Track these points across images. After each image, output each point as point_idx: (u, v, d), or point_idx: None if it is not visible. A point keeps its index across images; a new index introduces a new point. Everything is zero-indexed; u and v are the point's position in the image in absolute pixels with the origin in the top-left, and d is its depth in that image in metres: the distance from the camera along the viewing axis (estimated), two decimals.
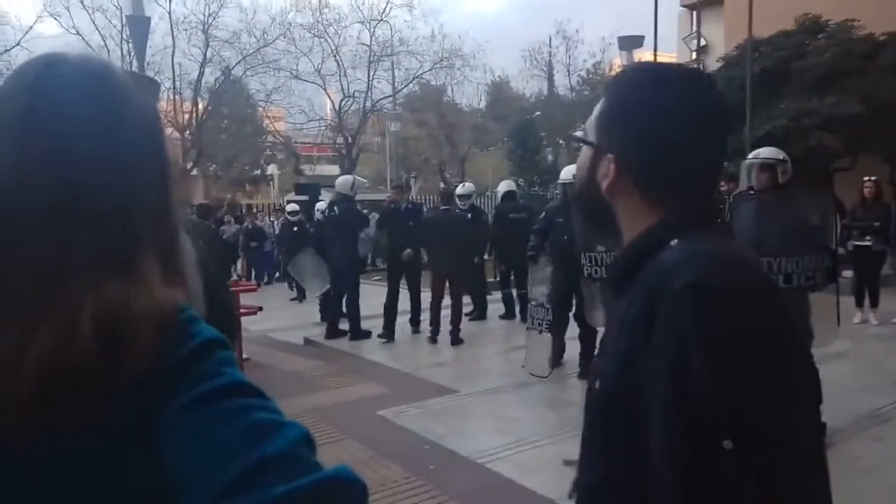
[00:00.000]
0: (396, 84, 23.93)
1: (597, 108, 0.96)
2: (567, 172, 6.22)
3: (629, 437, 0.79)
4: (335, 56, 23.66)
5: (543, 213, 6.46)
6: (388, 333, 7.53)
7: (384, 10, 23.67)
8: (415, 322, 7.85)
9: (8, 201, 0.66)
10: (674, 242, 0.85)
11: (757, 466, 0.70)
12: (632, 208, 0.93)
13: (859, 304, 7.57)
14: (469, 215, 8.43)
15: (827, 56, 11.34)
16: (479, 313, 8.71)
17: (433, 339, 7.40)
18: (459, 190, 9.03)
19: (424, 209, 9.81)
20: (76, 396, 0.59)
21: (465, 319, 8.09)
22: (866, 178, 7.73)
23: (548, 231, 6.07)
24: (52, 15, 20.33)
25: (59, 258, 0.64)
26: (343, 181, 8.44)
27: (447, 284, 7.31)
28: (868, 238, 7.39)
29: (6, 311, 0.62)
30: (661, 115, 0.88)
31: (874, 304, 7.54)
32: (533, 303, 5.92)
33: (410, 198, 8.59)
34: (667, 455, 0.73)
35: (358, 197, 9.22)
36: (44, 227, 0.65)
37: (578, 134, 1.03)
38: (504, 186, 9.07)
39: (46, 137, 0.67)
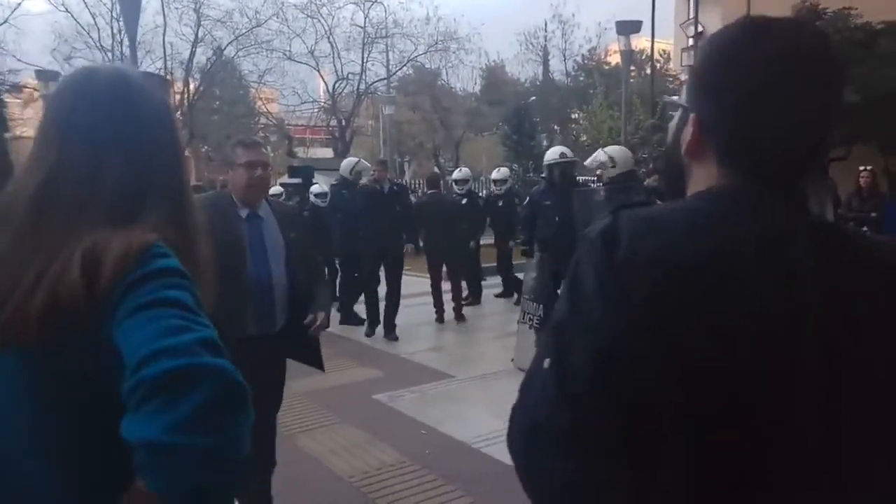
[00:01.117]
0: (391, 67, 23.79)
1: (692, 67, 0.90)
2: (553, 153, 6.16)
3: None
4: (329, 37, 23.44)
5: (528, 199, 6.31)
6: (373, 326, 7.00)
7: None
8: (390, 328, 6.89)
9: (52, 172, 0.95)
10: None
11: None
12: (705, 176, 0.85)
13: None
14: (464, 200, 8.42)
15: None
16: (475, 298, 8.71)
17: (440, 318, 7.47)
18: (456, 175, 9.01)
19: (410, 192, 9.63)
20: (68, 308, 0.84)
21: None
22: (862, 168, 7.74)
23: (534, 218, 5.94)
24: None
25: (77, 215, 0.91)
26: (345, 164, 8.00)
27: (444, 269, 7.31)
28: (864, 229, 7.43)
29: (35, 252, 0.89)
30: (752, 78, 0.78)
31: None
32: (525, 296, 5.86)
33: (394, 178, 7.96)
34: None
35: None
36: (72, 192, 0.93)
37: (674, 98, 1.00)
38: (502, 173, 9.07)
39: (84, 126, 0.97)
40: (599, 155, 5.44)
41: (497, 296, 8.87)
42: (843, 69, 0.83)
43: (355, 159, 8.32)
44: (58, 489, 0.89)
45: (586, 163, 5.72)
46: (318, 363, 2.90)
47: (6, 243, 0.91)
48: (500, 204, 8.64)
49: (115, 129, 0.97)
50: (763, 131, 0.79)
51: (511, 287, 8.70)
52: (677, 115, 0.92)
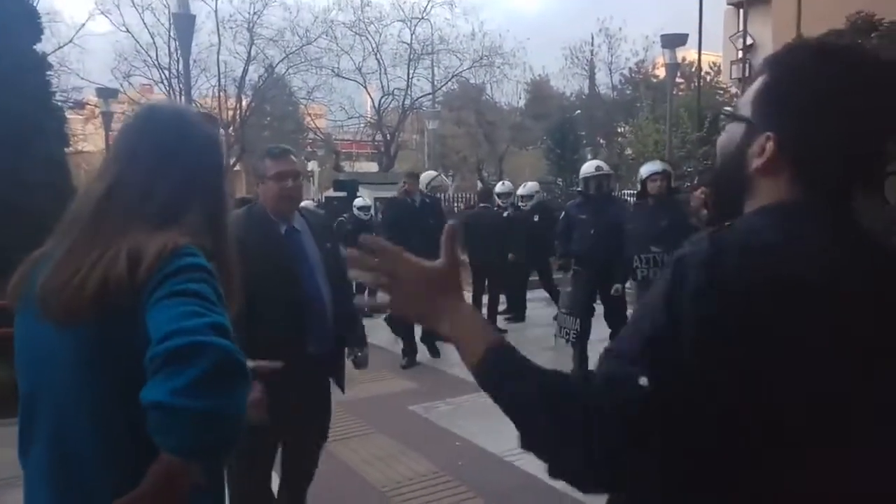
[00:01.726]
0: (436, 82, 24.04)
1: (755, 85, 0.92)
2: (589, 166, 6.10)
3: None
4: (376, 54, 23.88)
5: (563, 213, 6.22)
6: (411, 354, 6.49)
7: (425, 8, 23.79)
8: (432, 347, 6.63)
9: (112, 186, 1.17)
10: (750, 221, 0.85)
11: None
12: (775, 192, 0.88)
13: None
14: (506, 213, 8.41)
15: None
16: (517, 314, 8.62)
17: None
18: (499, 188, 9.02)
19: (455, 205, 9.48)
20: (114, 292, 1.03)
21: (500, 319, 8.06)
22: None
23: (570, 232, 5.86)
24: (102, 13, 20.97)
25: (128, 222, 1.12)
26: (423, 177, 7.66)
27: (486, 282, 7.26)
28: None
29: (94, 247, 1.08)
30: (834, 101, 0.84)
31: None
32: (563, 310, 5.81)
33: (427, 190, 7.27)
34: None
35: (392, 193, 8.96)
36: (127, 203, 1.14)
37: (729, 109, 1.02)
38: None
39: (141, 152, 1.20)
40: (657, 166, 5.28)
41: (506, 319, 8.46)
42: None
43: (434, 173, 8.06)
44: (103, 452, 1.06)
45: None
46: (340, 383, 2.82)
47: (74, 239, 1.13)
48: (536, 219, 8.50)
49: (166, 157, 1.19)
50: (842, 147, 0.85)
51: (523, 310, 8.58)
52: (736, 129, 0.94)
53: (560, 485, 1.03)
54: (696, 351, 0.75)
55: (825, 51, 0.88)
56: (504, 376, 0.89)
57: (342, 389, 2.82)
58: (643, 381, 0.76)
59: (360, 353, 2.81)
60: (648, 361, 0.77)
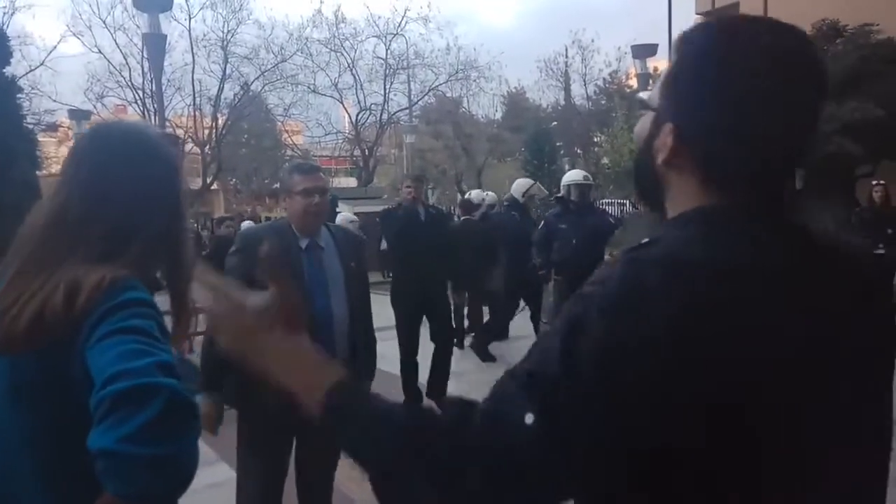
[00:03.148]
0: (412, 96, 24.13)
1: (665, 71, 0.82)
2: (577, 174, 6.17)
3: None
4: (352, 70, 23.91)
5: (542, 223, 6.22)
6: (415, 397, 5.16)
7: (399, 23, 23.90)
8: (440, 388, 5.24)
9: (57, 211, 1.12)
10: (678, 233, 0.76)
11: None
12: (686, 188, 0.79)
13: None
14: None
15: (846, 61, 11.22)
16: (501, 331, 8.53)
17: (459, 344, 7.01)
18: (479, 199, 9.02)
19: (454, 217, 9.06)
20: (50, 325, 0.99)
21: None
22: (875, 182, 7.54)
23: (549, 241, 5.87)
24: (74, 34, 20.77)
25: (69, 249, 1.07)
26: (517, 184, 7.04)
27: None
28: (881, 246, 7.20)
29: (36, 276, 1.05)
30: (733, 86, 0.73)
31: None
32: (544, 320, 5.82)
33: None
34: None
35: (372, 209, 8.80)
36: (72, 227, 1.10)
37: (643, 96, 0.94)
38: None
39: (89, 173, 1.14)
40: None
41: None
42: (825, 68, 0.77)
43: (530, 181, 7.49)
44: (41, 487, 1.03)
45: None
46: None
47: (17, 267, 1.10)
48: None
49: (110, 181, 1.13)
50: (750, 140, 0.74)
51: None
52: (647, 118, 0.84)
53: None
54: (603, 397, 0.66)
55: (730, 29, 0.76)
56: (352, 422, 0.78)
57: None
58: (529, 418, 0.68)
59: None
60: (538, 399, 0.68)
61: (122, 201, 1.12)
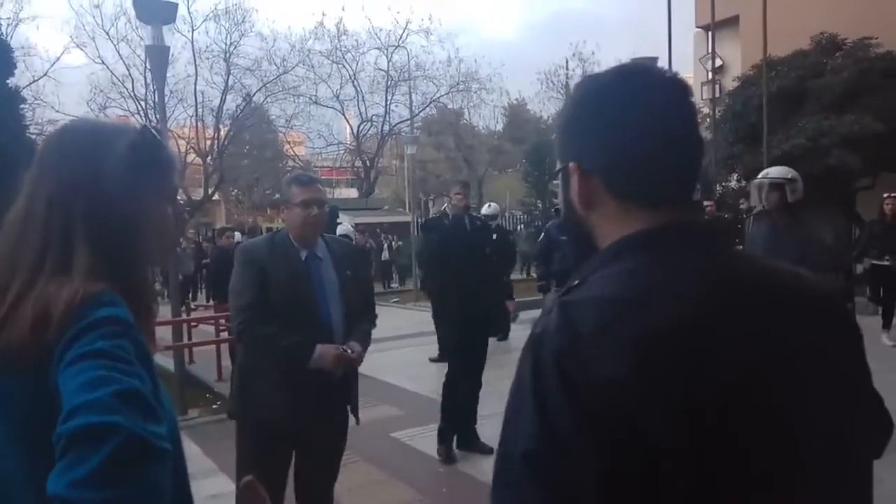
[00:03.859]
0: (414, 108, 24.21)
1: (558, 126, 0.90)
2: None
3: None
4: (353, 82, 24.10)
5: (543, 234, 6.23)
6: (446, 439, 4.59)
7: (401, 36, 24.11)
8: (471, 437, 4.71)
9: (20, 222, 1.04)
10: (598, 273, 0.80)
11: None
12: (609, 219, 0.84)
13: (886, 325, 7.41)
14: (494, 235, 8.45)
15: (844, 75, 11.28)
16: (504, 334, 8.59)
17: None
18: (485, 210, 9.11)
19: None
20: (19, 355, 0.93)
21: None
22: (886, 195, 7.57)
23: (550, 252, 5.88)
24: (78, 45, 20.94)
25: (36, 262, 1.01)
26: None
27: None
28: (887, 258, 7.23)
29: (6, 291, 0.98)
30: (618, 107, 0.82)
31: (887, 324, 7.36)
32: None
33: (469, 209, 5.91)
34: None
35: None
36: (34, 241, 1.02)
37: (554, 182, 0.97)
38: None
39: (44, 180, 1.04)
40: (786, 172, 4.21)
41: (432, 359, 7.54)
42: (691, 95, 0.87)
43: (788, 170, 6.55)
44: (30, 487, 0.97)
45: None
46: (354, 411, 2.84)
47: None
48: (494, 237, 8.46)
49: (68, 184, 1.03)
50: (644, 159, 0.81)
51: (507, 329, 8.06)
52: (560, 180, 0.91)
53: None
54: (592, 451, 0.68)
55: (619, 74, 0.86)
56: None
57: (356, 417, 2.84)
58: None
59: (354, 346, 2.66)
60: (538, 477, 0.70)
61: (79, 203, 1.03)
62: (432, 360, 7.29)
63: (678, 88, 0.85)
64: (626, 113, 0.81)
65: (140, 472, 0.82)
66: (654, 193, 0.82)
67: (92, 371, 0.87)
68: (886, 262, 7.18)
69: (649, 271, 0.77)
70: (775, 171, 4.14)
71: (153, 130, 1.10)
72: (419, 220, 7.92)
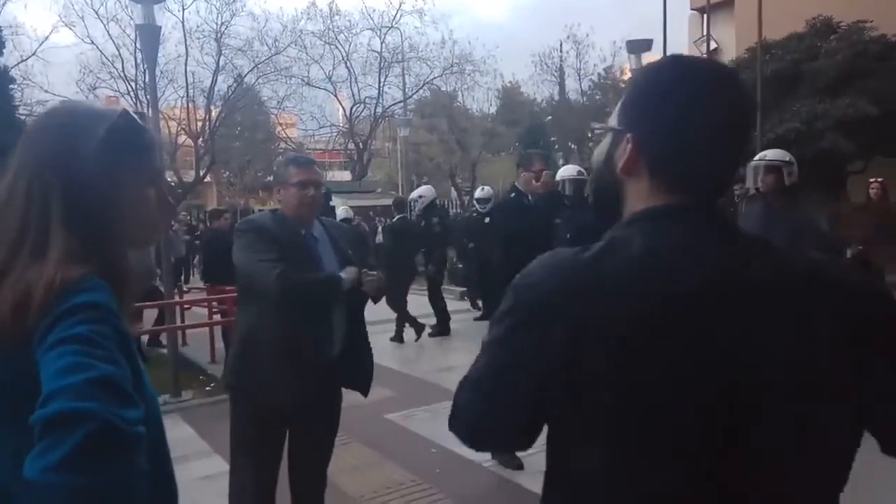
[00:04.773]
0: (407, 90, 24.02)
1: (623, 97, 1.00)
2: (571, 169, 6.16)
3: None
4: (346, 63, 23.81)
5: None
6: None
7: (394, 16, 23.82)
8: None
9: (4, 204, 1.04)
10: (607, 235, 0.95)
11: None
12: (640, 192, 0.95)
13: None
14: (487, 219, 8.47)
15: (839, 58, 11.25)
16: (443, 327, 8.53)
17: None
18: (478, 193, 9.20)
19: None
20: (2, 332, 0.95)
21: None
22: (872, 180, 7.56)
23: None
24: (67, 25, 20.52)
25: (16, 246, 1.01)
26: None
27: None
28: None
29: None
30: (683, 104, 0.91)
31: None
32: None
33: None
34: None
35: (366, 203, 9.10)
36: (14, 223, 1.03)
37: (596, 125, 1.09)
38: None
39: (24, 163, 1.06)
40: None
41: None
42: (750, 99, 0.99)
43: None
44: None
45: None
46: (366, 388, 2.84)
47: None
48: (487, 221, 8.54)
49: (46, 166, 1.04)
50: (686, 147, 0.92)
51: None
52: (605, 142, 1.02)
53: (540, 489, 1.04)
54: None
55: (678, 63, 0.97)
56: None
57: (364, 393, 2.85)
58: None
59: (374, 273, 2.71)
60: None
61: (58, 185, 1.04)
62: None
63: (735, 89, 0.94)
64: (680, 109, 0.91)
65: (112, 458, 0.83)
66: (686, 180, 0.93)
67: (69, 356, 0.87)
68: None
69: (653, 235, 0.90)
70: (772, 154, 4.14)
71: (133, 114, 1.09)
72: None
